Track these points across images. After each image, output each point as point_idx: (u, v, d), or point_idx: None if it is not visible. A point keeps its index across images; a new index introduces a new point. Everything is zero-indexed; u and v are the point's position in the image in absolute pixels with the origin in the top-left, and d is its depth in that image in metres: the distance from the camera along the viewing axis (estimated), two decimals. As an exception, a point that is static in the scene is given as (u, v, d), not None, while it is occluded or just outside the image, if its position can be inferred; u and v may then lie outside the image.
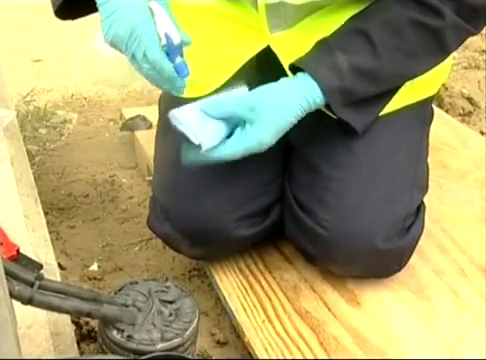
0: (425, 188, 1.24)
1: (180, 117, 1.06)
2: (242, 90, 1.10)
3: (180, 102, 1.10)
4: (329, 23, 1.13)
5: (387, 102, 1.18)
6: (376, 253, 1.15)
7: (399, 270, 1.22)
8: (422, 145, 1.26)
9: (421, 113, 1.26)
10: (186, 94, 1.19)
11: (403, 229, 1.17)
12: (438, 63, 1.16)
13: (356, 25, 1.11)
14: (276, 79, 1.10)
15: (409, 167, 1.21)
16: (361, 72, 1.08)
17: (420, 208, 1.22)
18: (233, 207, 1.19)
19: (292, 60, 1.11)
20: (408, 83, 1.18)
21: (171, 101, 1.19)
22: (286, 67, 1.13)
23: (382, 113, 1.18)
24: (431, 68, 1.16)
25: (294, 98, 1.07)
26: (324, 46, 1.11)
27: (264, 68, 1.19)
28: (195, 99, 1.11)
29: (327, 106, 1.11)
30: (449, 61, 1.28)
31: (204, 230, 1.18)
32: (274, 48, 1.16)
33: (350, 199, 1.15)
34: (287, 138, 1.24)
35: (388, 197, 1.16)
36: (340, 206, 1.15)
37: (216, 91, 1.15)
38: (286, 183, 1.23)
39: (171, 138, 1.18)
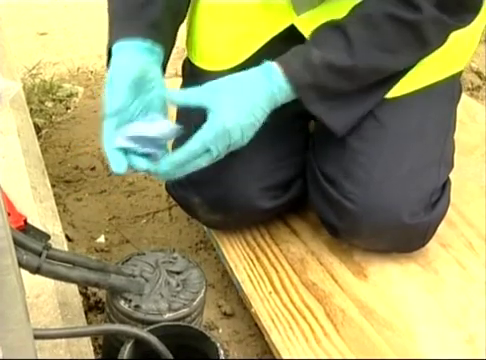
0: (451, 165, 1.23)
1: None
2: (165, 123, 1.06)
3: (202, 74, 1.15)
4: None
5: (374, 101, 1.15)
6: (402, 228, 1.14)
7: (423, 245, 1.21)
8: (450, 121, 1.24)
9: (450, 88, 1.24)
10: (208, 67, 1.20)
11: (429, 205, 1.16)
12: (421, 58, 1.13)
13: (334, 20, 1.09)
14: None
15: (437, 143, 1.20)
16: (335, 68, 1.07)
17: (446, 185, 1.21)
18: (258, 176, 1.18)
19: None
20: (437, 57, 1.16)
21: (192, 69, 1.24)
22: None
23: (413, 88, 1.17)
24: (413, 63, 1.14)
25: (259, 87, 1.05)
26: (303, 44, 1.10)
27: (289, 45, 1.16)
28: (216, 73, 1.12)
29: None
30: (477, 36, 1.25)
31: (226, 196, 1.18)
32: (299, 27, 1.15)
33: (377, 172, 1.14)
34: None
35: (416, 172, 1.15)
36: (367, 179, 1.14)
37: (238, 67, 1.14)
38: (311, 155, 1.22)
39: None
